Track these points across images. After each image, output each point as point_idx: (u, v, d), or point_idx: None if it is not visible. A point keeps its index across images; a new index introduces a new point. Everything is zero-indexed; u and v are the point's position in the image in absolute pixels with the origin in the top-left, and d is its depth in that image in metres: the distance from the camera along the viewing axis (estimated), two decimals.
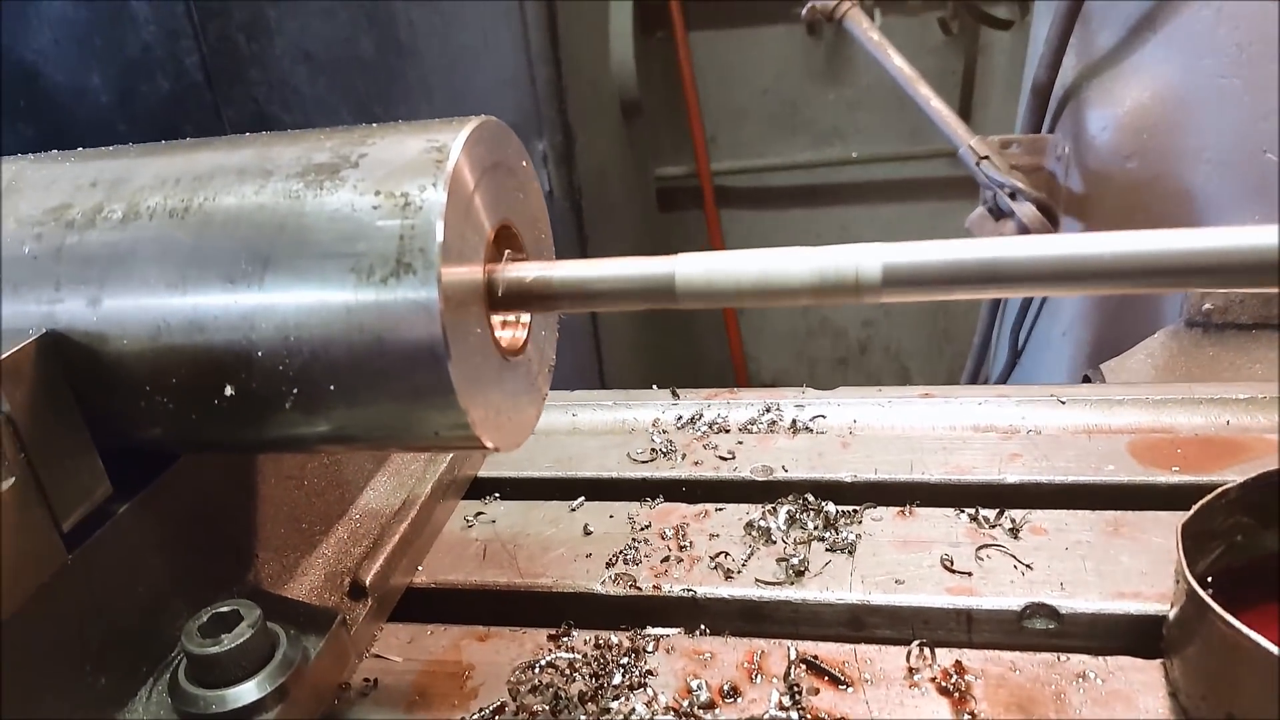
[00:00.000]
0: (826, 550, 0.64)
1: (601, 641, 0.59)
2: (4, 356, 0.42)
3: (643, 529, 0.69)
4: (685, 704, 0.53)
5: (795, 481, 0.71)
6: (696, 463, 0.75)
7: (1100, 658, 0.53)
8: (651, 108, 3.27)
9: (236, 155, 0.46)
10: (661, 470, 0.75)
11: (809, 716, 0.51)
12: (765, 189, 3.78)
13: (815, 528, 0.66)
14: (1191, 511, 0.51)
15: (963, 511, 0.66)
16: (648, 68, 3.19)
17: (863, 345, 3.98)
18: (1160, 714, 0.49)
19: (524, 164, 0.52)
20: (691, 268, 0.46)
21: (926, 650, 0.55)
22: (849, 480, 0.70)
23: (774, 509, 0.68)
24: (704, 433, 0.80)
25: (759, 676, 0.55)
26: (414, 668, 0.59)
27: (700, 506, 0.70)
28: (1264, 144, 1.33)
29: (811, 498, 0.68)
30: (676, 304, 0.47)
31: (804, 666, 0.55)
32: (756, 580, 0.62)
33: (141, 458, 0.51)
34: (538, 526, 0.71)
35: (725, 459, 0.75)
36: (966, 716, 0.51)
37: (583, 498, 0.73)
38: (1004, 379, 2.01)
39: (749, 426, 0.80)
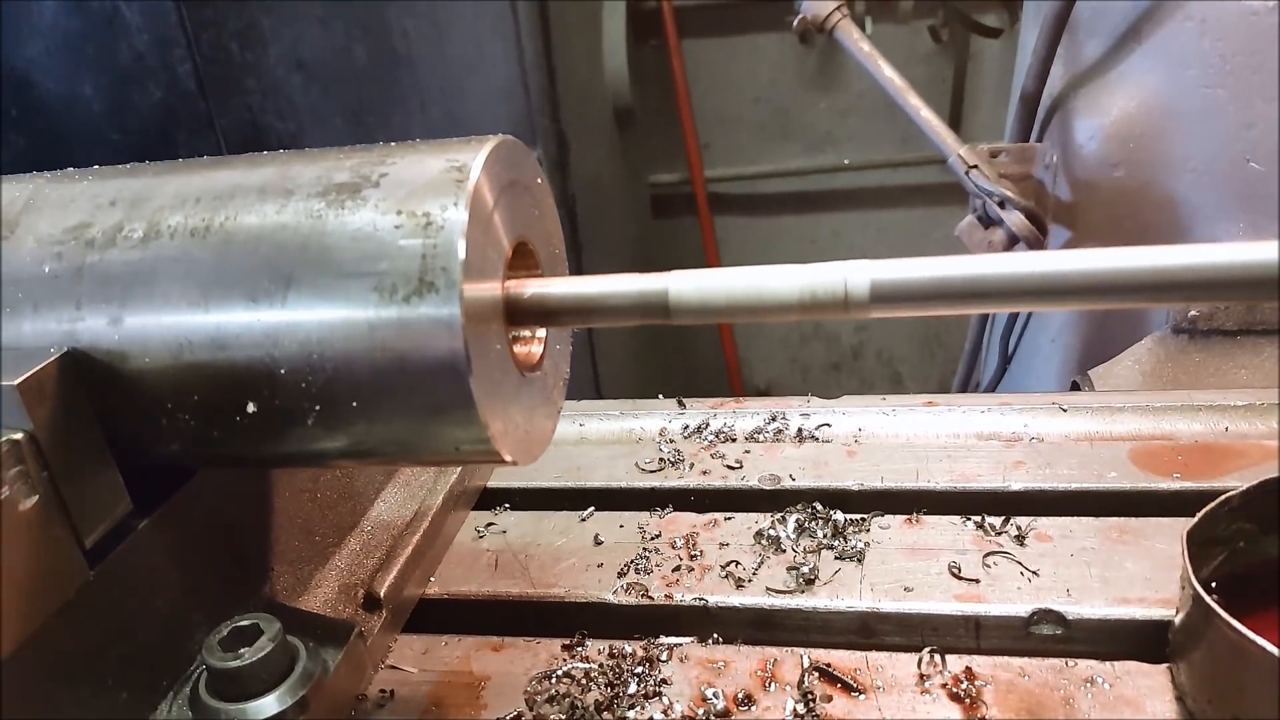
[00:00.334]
0: (836, 558, 0.65)
1: (616, 651, 0.60)
2: (27, 376, 0.43)
3: (653, 538, 0.69)
4: (701, 712, 0.54)
5: (803, 490, 0.72)
6: (704, 472, 0.76)
7: (1107, 663, 0.54)
8: (645, 115, 3.29)
9: (256, 174, 0.47)
10: (670, 480, 0.76)
11: None
12: (758, 196, 3.80)
13: (824, 536, 0.66)
14: (1196, 519, 0.52)
15: (969, 519, 0.66)
16: (641, 75, 3.21)
17: (856, 351, 4.00)
18: (1168, 718, 0.50)
19: (539, 181, 0.52)
20: (683, 284, 0.47)
21: (937, 657, 0.56)
22: (856, 489, 0.71)
23: (783, 518, 0.68)
24: (710, 442, 0.81)
25: (772, 684, 0.56)
26: (429, 679, 0.60)
27: (709, 516, 0.71)
28: (1248, 153, 1.36)
29: (820, 506, 0.69)
30: (669, 320, 0.48)
31: (817, 674, 0.56)
32: (767, 589, 0.63)
33: (157, 473, 0.52)
34: (548, 537, 0.71)
35: (733, 468, 0.76)
36: None
37: (592, 508, 0.74)
38: (994, 385, 2.03)
39: (755, 435, 0.81)
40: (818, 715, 0.53)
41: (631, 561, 0.67)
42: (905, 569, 0.63)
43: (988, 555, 0.63)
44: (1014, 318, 1.86)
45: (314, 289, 0.43)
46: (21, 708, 0.43)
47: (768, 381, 4.08)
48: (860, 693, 0.55)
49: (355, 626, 0.56)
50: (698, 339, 4.06)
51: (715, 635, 0.61)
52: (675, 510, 0.73)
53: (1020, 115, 1.62)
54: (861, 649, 0.58)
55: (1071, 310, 1.67)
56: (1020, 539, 0.64)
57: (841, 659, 0.57)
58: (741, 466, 0.76)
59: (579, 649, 0.60)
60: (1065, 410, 0.77)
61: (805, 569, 0.63)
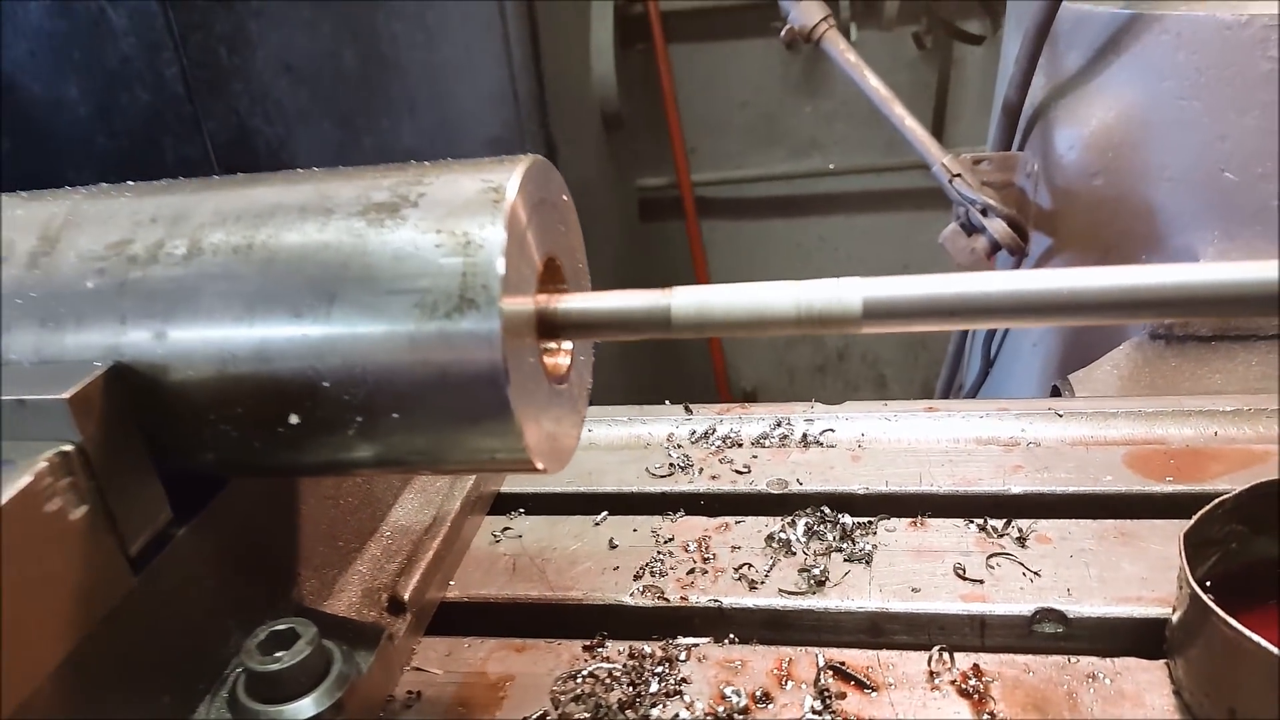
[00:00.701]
0: (845, 561, 0.67)
1: (635, 651, 0.62)
2: (77, 390, 0.44)
3: (666, 542, 0.71)
4: (721, 710, 0.56)
5: (810, 494, 0.74)
6: (714, 477, 0.78)
7: (1107, 659, 0.57)
8: (632, 119, 3.30)
9: (295, 193, 0.48)
10: (680, 485, 0.78)
11: (843, 717, 0.54)
12: (745, 200, 3.83)
13: (833, 539, 0.69)
14: (1192, 521, 0.54)
15: (971, 522, 0.69)
16: (628, 80, 3.23)
17: (841, 353, 4.04)
18: (1166, 712, 0.53)
19: (564, 198, 0.54)
20: (686, 299, 0.49)
21: (945, 655, 0.58)
22: (861, 492, 0.74)
23: (793, 521, 0.71)
24: (718, 447, 0.83)
25: (789, 683, 0.58)
26: (454, 679, 0.61)
27: (720, 519, 0.73)
28: (1221, 163, 1.40)
29: (828, 510, 0.71)
30: (669, 333, 0.50)
31: (831, 672, 0.58)
32: (780, 590, 0.65)
33: (191, 482, 0.53)
34: (563, 541, 0.73)
35: (741, 473, 0.78)
36: (986, 717, 0.54)
37: (605, 512, 0.76)
38: (977, 388, 2.06)
39: (761, 441, 0.83)
40: (834, 712, 0.55)
41: (646, 564, 0.69)
42: (912, 570, 0.65)
43: (990, 557, 0.65)
44: None
45: (357, 305, 0.44)
46: (70, 713, 0.45)
47: (754, 384, 4.11)
48: (873, 690, 0.57)
49: (385, 630, 0.58)
50: (685, 342, 4.08)
51: (731, 635, 0.63)
52: (686, 514, 0.75)
53: (1002, 124, 1.66)
54: (872, 648, 0.61)
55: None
56: (1021, 541, 0.66)
57: (854, 657, 0.59)
58: (749, 471, 0.78)
59: (599, 650, 0.62)
60: (1061, 415, 0.80)
61: (816, 571, 0.65)
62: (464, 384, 0.44)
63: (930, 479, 0.74)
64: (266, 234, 0.47)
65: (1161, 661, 0.56)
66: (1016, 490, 0.71)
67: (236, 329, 0.46)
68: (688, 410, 0.89)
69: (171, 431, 0.48)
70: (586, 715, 0.57)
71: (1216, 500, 0.55)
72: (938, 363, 4.14)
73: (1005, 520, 0.68)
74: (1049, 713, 0.54)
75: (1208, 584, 0.55)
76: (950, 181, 1.64)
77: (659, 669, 0.60)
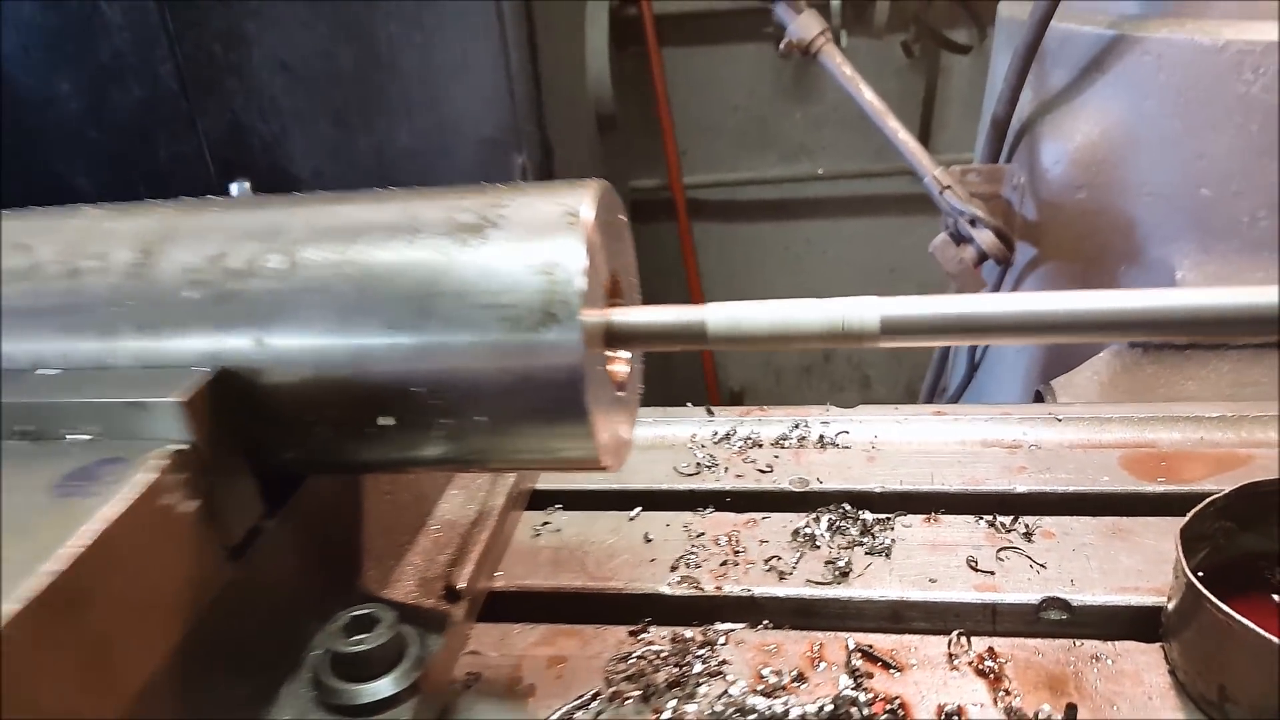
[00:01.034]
0: (866, 554, 0.72)
1: (677, 636, 0.67)
2: (192, 394, 0.48)
3: (698, 536, 0.76)
4: (760, 688, 0.61)
5: (830, 492, 0.79)
6: (738, 475, 0.83)
7: (1108, 643, 0.62)
8: (625, 122, 3.35)
9: (383, 212, 0.53)
10: (707, 482, 0.83)
11: (872, 695, 0.59)
12: (735, 202, 3.88)
13: (855, 534, 0.74)
14: (1187, 518, 0.60)
15: (981, 518, 0.75)
16: (621, 82, 3.27)
17: (827, 354, 4.10)
18: (1163, 689, 0.59)
19: (622, 217, 0.59)
20: (718, 315, 0.54)
21: (963, 639, 0.64)
22: (878, 491, 0.79)
23: (817, 518, 0.76)
24: (740, 447, 0.88)
25: (820, 664, 0.63)
26: (509, 662, 0.66)
27: (747, 515, 0.78)
28: (1199, 180, 1.47)
29: (849, 507, 0.77)
30: (706, 345, 0.55)
31: (860, 654, 0.63)
32: (807, 581, 0.70)
33: (273, 478, 0.57)
34: (601, 535, 0.78)
35: (764, 472, 0.83)
36: (1003, 694, 0.59)
37: (639, 508, 0.80)
38: (961, 390, 2.12)
39: (781, 442, 0.88)
40: (866, 689, 0.60)
41: (681, 557, 0.74)
42: (928, 563, 0.71)
43: (1000, 550, 0.71)
44: None
45: (448, 319, 0.49)
46: (180, 694, 0.49)
47: (742, 384, 4.17)
48: (898, 670, 0.62)
49: (449, 615, 0.62)
50: None
51: (765, 622, 0.68)
52: (715, 510, 0.80)
53: (991, 138, 1.72)
54: (894, 633, 0.66)
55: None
56: (1028, 536, 0.72)
57: (879, 641, 0.65)
58: (772, 470, 0.83)
59: (644, 635, 0.67)
60: (1059, 420, 0.86)
61: (840, 563, 0.71)
62: (546, 390, 0.49)
63: (941, 478, 0.79)
64: (358, 250, 0.51)
65: (1157, 645, 0.61)
66: (1021, 489, 0.77)
67: (332, 338, 0.50)
68: (710, 413, 0.94)
69: (266, 431, 0.53)
70: (638, 693, 0.62)
71: (1207, 500, 0.61)
72: (921, 365, 4.22)
73: (1012, 517, 0.74)
74: (1058, 690, 0.59)
75: (1199, 574, 0.61)
76: (941, 193, 1.70)
77: (701, 652, 0.65)
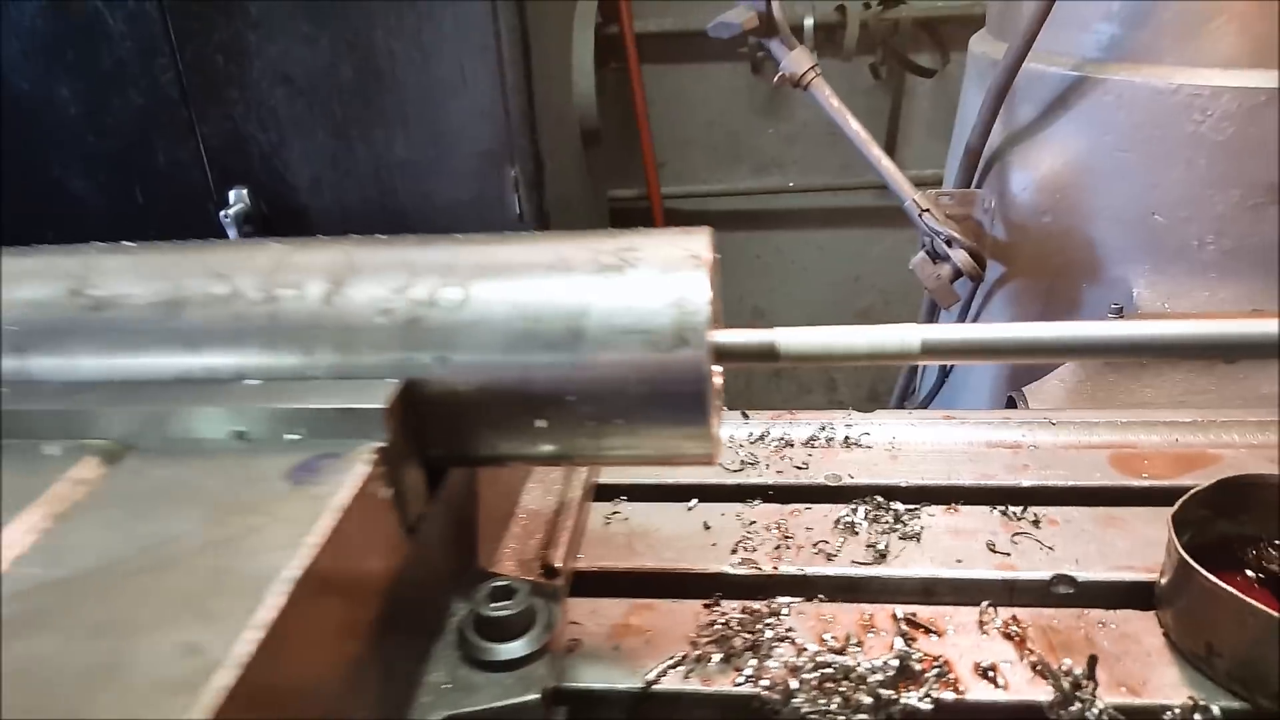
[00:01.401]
0: (899, 539, 0.84)
1: (746, 608, 0.78)
2: (391, 402, 0.59)
3: (750, 524, 0.88)
4: (824, 649, 0.73)
5: (861, 486, 0.92)
6: (779, 471, 0.95)
7: (1111, 610, 0.75)
8: (606, 134, 3.46)
9: (538, 253, 0.63)
10: (752, 477, 0.94)
11: (921, 654, 0.71)
12: (709, 212, 4.02)
13: (888, 522, 0.86)
14: (1175, 507, 0.73)
15: (995, 508, 0.87)
16: (603, 96, 3.38)
17: None
18: (1159, 648, 0.71)
19: (716, 256, 0.70)
20: (787, 337, 0.65)
21: (990, 609, 0.76)
22: (904, 485, 0.91)
23: (855, 509, 0.88)
24: (776, 447, 1.00)
25: (872, 631, 0.75)
26: (603, 630, 0.77)
27: (791, 506, 0.90)
28: (1153, 207, 1.64)
29: (881, 499, 0.89)
30: (779, 362, 0.66)
31: (905, 621, 0.75)
32: (852, 561, 0.82)
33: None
34: (664, 523, 0.89)
35: (800, 468, 0.95)
36: (1027, 653, 0.72)
37: (695, 499, 0.92)
38: (933, 396, 2.27)
39: (811, 442, 1.00)
40: (914, 649, 0.72)
41: (738, 541, 0.85)
42: (953, 546, 0.83)
43: (1014, 535, 0.84)
44: None
45: (599, 342, 0.60)
46: (377, 652, 0.59)
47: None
48: (938, 635, 0.74)
49: (560, 589, 0.73)
50: None
51: (820, 596, 0.79)
52: (762, 502, 0.91)
53: (964, 165, 1.87)
54: (927, 605, 0.78)
55: None
56: (1036, 523, 0.85)
57: (919, 611, 0.77)
58: (807, 467, 0.95)
59: (717, 607, 0.78)
60: (1054, 424, 0.99)
61: (879, 547, 0.83)
62: (676, 399, 0.60)
63: (957, 474, 0.92)
64: (522, 284, 0.62)
65: (1151, 612, 0.74)
66: (1027, 484, 0.90)
67: (503, 356, 0.60)
68: (745, 415, 1.06)
69: (438, 430, 0.63)
70: (720, 655, 0.73)
71: (1190, 492, 0.74)
72: (883, 367, 4.38)
73: (1022, 507, 0.87)
74: (1073, 650, 0.72)
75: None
76: (920, 215, 1.84)
77: (769, 620, 0.76)
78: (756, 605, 0.78)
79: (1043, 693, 0.68)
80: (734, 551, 0.84)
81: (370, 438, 0.58)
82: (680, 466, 0.92)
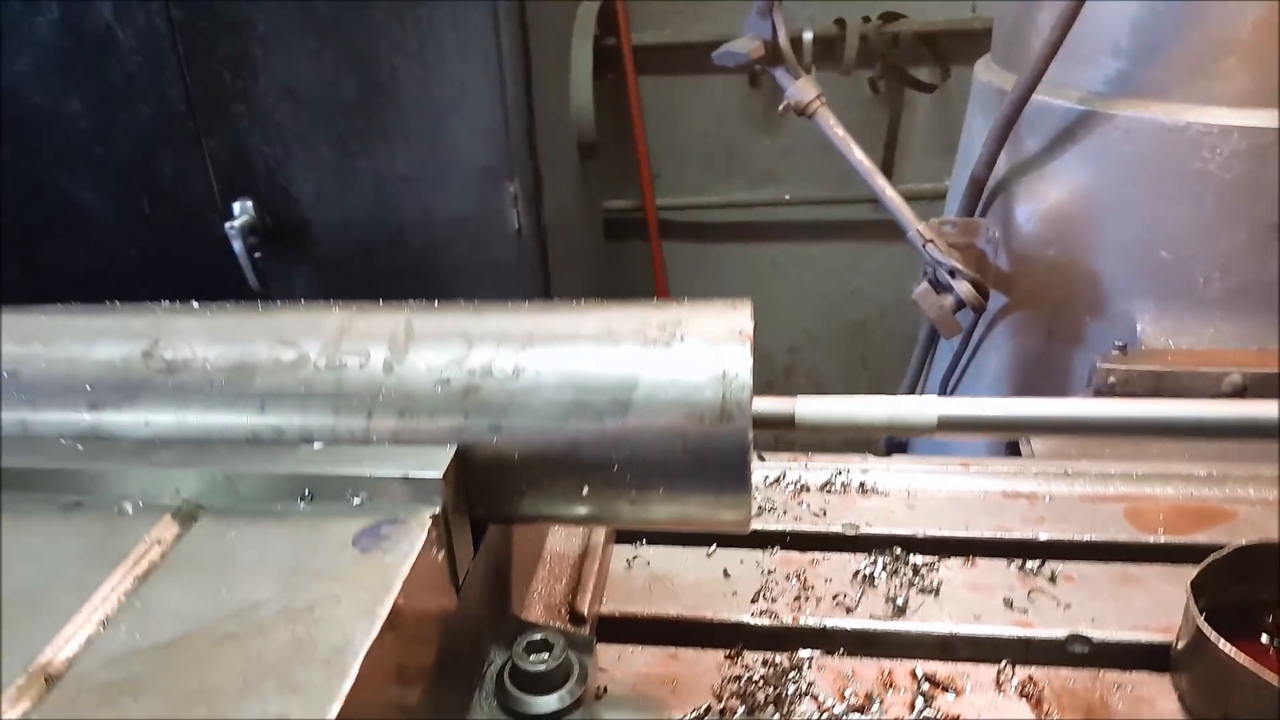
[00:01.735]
0: (918, 592, 0.86)
1: (768, 660, 0.80)
2: (446, 469, 0.60)
3: (769, 573, 0.90)
4: (844, 707, 0.75)
5: (878, 536, 0.94)
6: (796, 518, 0.97)
7: (1126, 672, 0.77)
8: (602, 145, 3.47)
9: (586, 323, 0.65)
10: (770, 524, 0.96)
11: (939, 714, 0.73)
12: (705, 224, 4.04)
13: (907, 575, 0.88)
14: (1196, 574, 0.75)
15: (1011, 562, 0.89)
16: (599, 108, 3.40)
17: (787, 370, 4.26)
18: (1174, 712, 0.74)
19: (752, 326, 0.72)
20: (807, 406, 0.67)
21: (1009, 667, 0.78)
22: (920, 536, 0.93)
23: (874, 560, 0.90)
24: (792, 491, 1.02)
25: (891, 689, 0.77)
26: (629, 678, 0.78)
27: (809, 555, 0.92)
28: (1158, 243, 1.67)
29: (899, 550, 0.91)
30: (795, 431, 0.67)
31: (925, 680, 0.77)
32: (870, 615, 0.84)
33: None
34: (684, 568, 0.91)
35: (818, 516, 0.97)
36: (1045, 714, 0.74)
37: (715, 544, 0.93)
38: (948, 387, 2.28)
39: (826, 487, 1.02)
40: (934, 708, 0.74)
41: (758, 591, 0.87)
42: (971, 601, 0.85)
43: (1030, 591, 0.86)
44: (955, 362, 2.13)
45: (645, 414, 0.61)
46: (430, 701, 0.60)
47: None
48: (956, 693, 0.76)
49: (592, 639, 0.74)
50: None
51: (841, 649, 0.81)
52: (780, 549, 0.93)
53: (968, 194, 1.89)
54: (944, 660, 0.80)
55: (1007, 357, 1.95)
56: (1053, 579, 0.87)
57: (937, 668, 0.79)
58: (825, 515, 0.97)
59: (739, 659, 0.80)
60: (1069, 474, 1.01)
61: (898, 601, 0.85)
62: (720, 469, 0.62)
63: (974, 526, 0.94)
64: (574, 354, 0.63)
65: (1167, 675, 0.76)
66: (1044, 537, 0.92)
67: (553, 425, 0.62)
68: (761, 457, 1.08)
69: (484, 493, 0.64)
70: (743, 708, 0.75)
71: (1210, 560, 0.76)
72: (877, 379, 4.42)
73: (1039, 561, 0.89)
74: (1091, 712, 0.74)
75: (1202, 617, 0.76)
76: (924, 246, 1.86)
77: (791, 674, 0.78)
78: (778, 658, 0.80)
79: None
80: (754, 600, 0.86)
81: (427, 503, 0.60)
82: (722, 532, 0.93)
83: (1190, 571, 0.74)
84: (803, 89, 1.91)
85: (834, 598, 0.86)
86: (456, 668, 0.67)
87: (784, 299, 4.16)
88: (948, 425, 0.66)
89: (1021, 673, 0.78)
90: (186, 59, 2.67)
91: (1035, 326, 1.85)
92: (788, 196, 3.90)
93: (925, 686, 0.77)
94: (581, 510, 0.65)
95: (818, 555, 0.92)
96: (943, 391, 2.10)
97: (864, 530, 0.95)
